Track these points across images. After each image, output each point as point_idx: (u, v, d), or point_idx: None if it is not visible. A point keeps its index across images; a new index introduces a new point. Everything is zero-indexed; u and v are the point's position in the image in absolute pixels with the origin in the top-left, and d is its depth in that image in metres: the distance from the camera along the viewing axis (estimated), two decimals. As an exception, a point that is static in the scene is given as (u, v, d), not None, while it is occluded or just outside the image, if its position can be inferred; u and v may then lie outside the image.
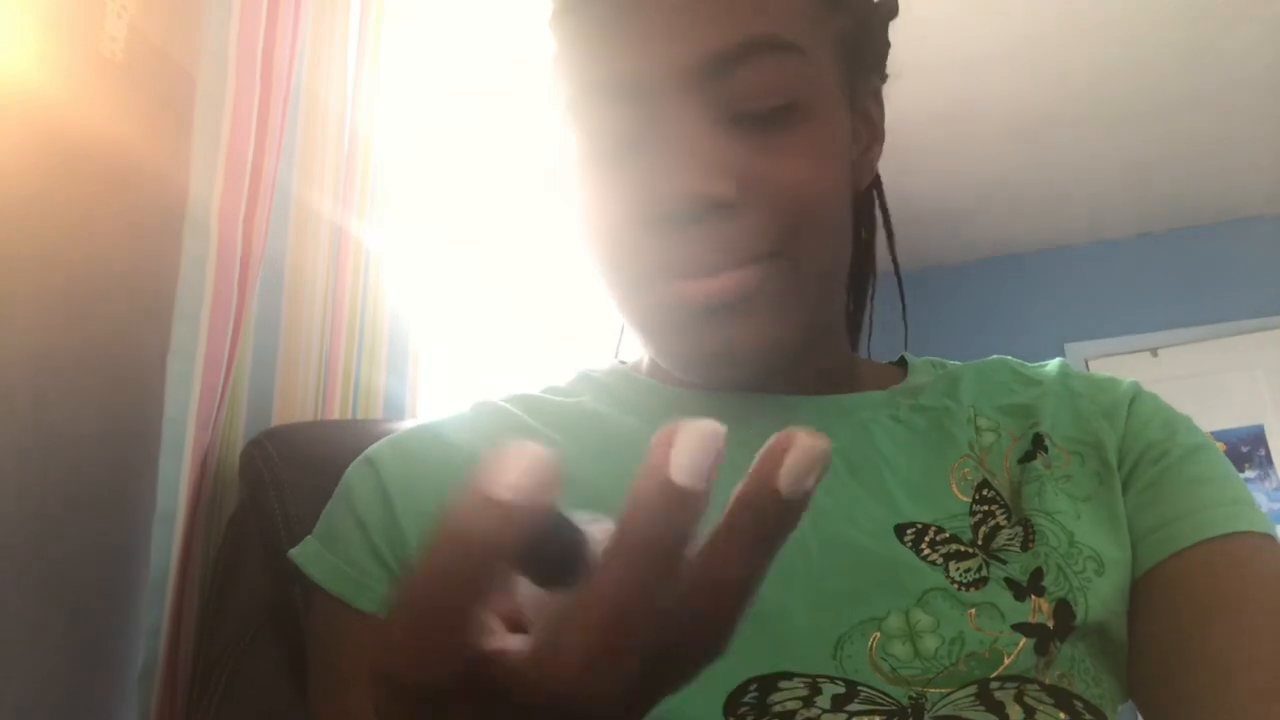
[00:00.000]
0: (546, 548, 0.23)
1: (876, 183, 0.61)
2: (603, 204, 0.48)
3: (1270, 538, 0.47)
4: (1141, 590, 0.47)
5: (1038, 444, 0.51)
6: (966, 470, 0.50)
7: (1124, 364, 3.46)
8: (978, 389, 0.55)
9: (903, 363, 0.60)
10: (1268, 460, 3.30)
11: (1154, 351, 3.50)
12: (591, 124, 0.47)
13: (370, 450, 0.53)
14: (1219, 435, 3.30)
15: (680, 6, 0.44)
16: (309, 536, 0.52)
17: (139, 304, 0.66)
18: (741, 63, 0.44)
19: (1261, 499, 3.25)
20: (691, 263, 0.45)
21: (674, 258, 0.46)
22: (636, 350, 0.69)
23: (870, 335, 0.65)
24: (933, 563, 0.45)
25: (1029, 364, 0.58)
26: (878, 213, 0.62)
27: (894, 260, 0.63)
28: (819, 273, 0.48)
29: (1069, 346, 3.57)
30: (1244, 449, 3.31)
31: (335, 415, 0.83)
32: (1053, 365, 0.57)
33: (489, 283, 1.24)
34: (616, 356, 0.65)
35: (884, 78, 0.58)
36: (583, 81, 0.47)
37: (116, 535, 0.63)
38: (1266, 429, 3.32)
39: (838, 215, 0.48)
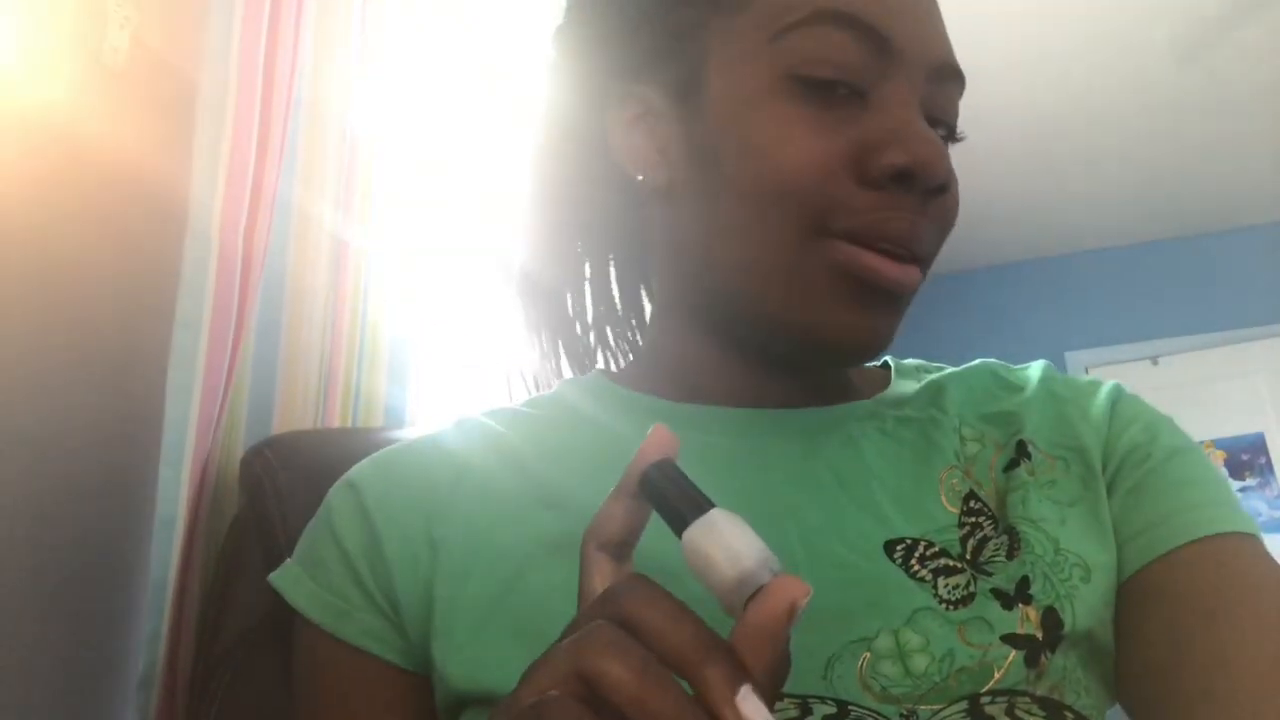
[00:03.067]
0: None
1: None
2: (808, 138, 0.45)
3: (1254, 538, 0.47)
4: (1127, 593, 0.47)
5: (1021, 451, 0.51)
6: (954, 481, 0.50)
7: (1124, 372, 3.46)
8: (962, 397, 0.55)
9: (885, 365, 0.60)
10: (1269, 468, 3.30)
11: (1154, 359, 3.50)
12: (821, 51, 0.45)
13: (351, 472, 0.52)
14: (1220, 443, 3.30)
15: (936, 11, 0.50)
16: (289, 560, 0.51)
17: (140, 312, 0.66)
18: (951, 82, 0.49)
19: (1262, 506, 3.25)
20: (898, 235, 0.45)
21: (880, 223, 0.45)
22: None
23: None
24: (921, 579, 0.45)
25: (1013, 368, 0.58)
26: None
27: None
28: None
29: (1069, 354, 3.57)
30: (1244, 457, 3.31)
31: (335, 423, 0.83)
32: (1035, 369, 0.57)
33: (489, 291, 1.24)
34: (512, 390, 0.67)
35: None
36: (832, 9, 0.45)
37: (117, 542, 0.63)
38: (1267, 436, 3.32)
39: None
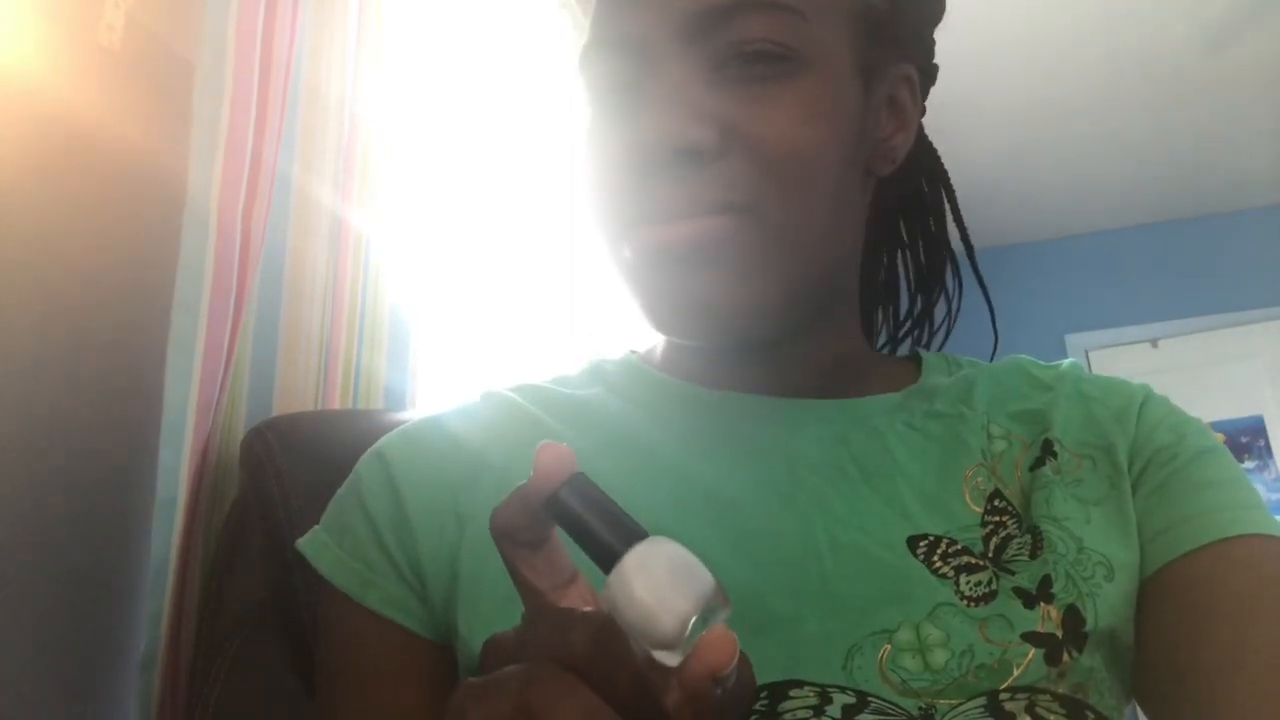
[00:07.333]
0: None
1: (940, 173, 0.62)
2: (594, 153, 0.49)
3: (1277, 540, 0.47)
4: (1148, 591, 0.47)
5: (1047, 450, 0.51)
6: (979, 480, 0.50)
7: (1124, 355, 3.46)
8: (992, 395, 0.55)
9: (916, 357, 0.60)
10: (1267, 451, 3.30)
11: (1154, 342, 3.50)
12: (595, 76, 0.50)
13: (381, 443, 0.53)
14: (1218, 426, 3.30)
15: None
16: (316, 527, 0.52)
17: (138, 293, 0.66)
18: (736, 16, 0.45)
19: (1260, 489, 3.24)
20: (662, 206, 0.46)
21: (648, 203, 0.46)
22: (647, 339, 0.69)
23: (949, 331, 0.66)
24: (944, 576, 0.45)
25: (1043, 364, 0.58)
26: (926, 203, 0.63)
27: (966, 244, 0.64)
28: (795, 232, 0.46)
29: (1069, 337, 3.57)
30: (1243, 440, 3.31)
31: (336, 404, 0.83)
32: (1065, 367, 0.57)
33: (489, 271, 1.24)
34: (589, 342, 0.66)
35: (927, 70, 0.57)
36: (593, 37, 0.50)
37: (117, 524, 0.63)
38: (1266, 420, 3.32)
39: (824, 176, 0.47)
